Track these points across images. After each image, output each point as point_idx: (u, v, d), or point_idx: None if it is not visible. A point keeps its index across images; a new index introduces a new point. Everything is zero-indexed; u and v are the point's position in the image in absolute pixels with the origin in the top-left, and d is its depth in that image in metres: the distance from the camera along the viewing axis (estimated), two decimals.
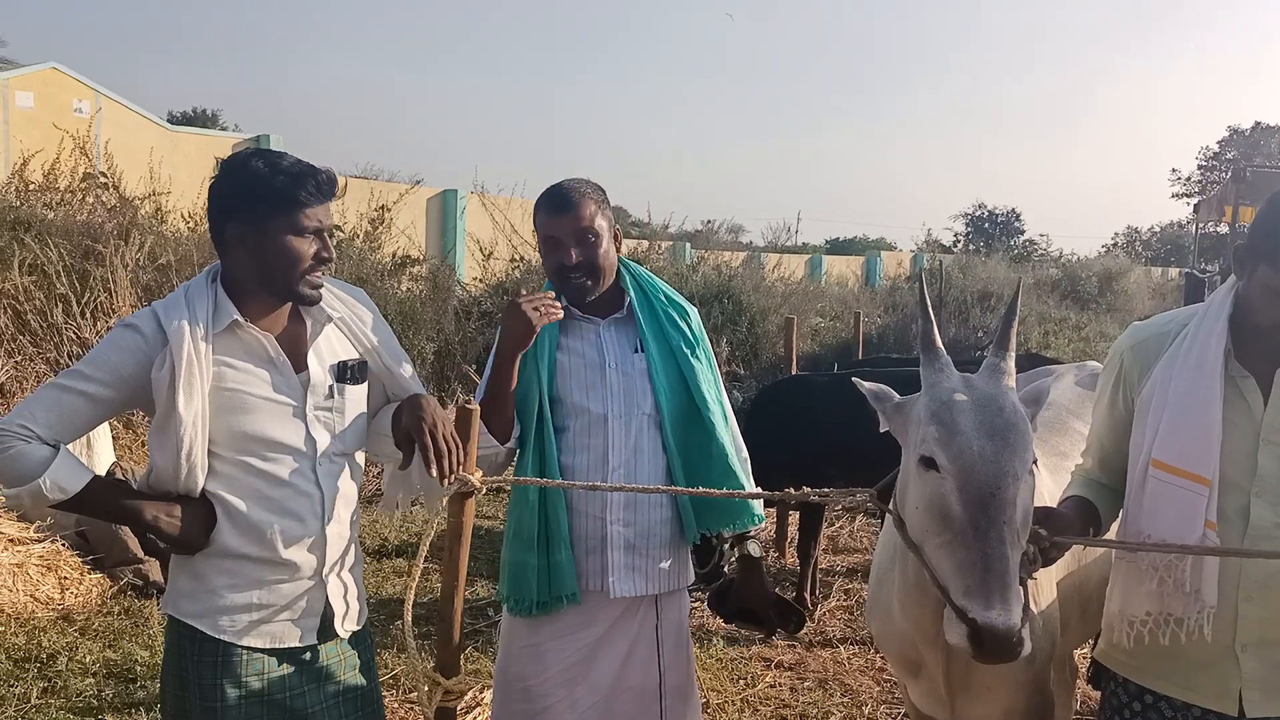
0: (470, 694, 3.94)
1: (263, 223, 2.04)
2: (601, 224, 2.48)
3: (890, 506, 2.09)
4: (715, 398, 2.58)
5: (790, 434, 5.40)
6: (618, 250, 2.57)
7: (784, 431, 5.45)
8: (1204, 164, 51.75)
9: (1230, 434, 1.94)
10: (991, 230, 44.36)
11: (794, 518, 6.59)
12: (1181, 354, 2.03)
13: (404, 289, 11.00)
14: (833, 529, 6.84)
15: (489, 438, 2.42)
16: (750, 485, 2.60)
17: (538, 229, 2.54)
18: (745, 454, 2.64)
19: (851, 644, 5.00)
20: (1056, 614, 2.39)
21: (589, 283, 2.49)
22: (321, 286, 2.13)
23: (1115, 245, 48.42)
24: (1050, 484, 2.51)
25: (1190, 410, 1.96)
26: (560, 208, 2.47)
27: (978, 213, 46.26)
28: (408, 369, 2.32)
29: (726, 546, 2.70)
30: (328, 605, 2.14)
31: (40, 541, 5.24)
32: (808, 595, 5.44)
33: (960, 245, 41.66)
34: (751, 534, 2.60)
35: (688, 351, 2.55)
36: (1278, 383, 1.96)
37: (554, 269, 2.49)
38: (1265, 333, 1.97)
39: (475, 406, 2.25)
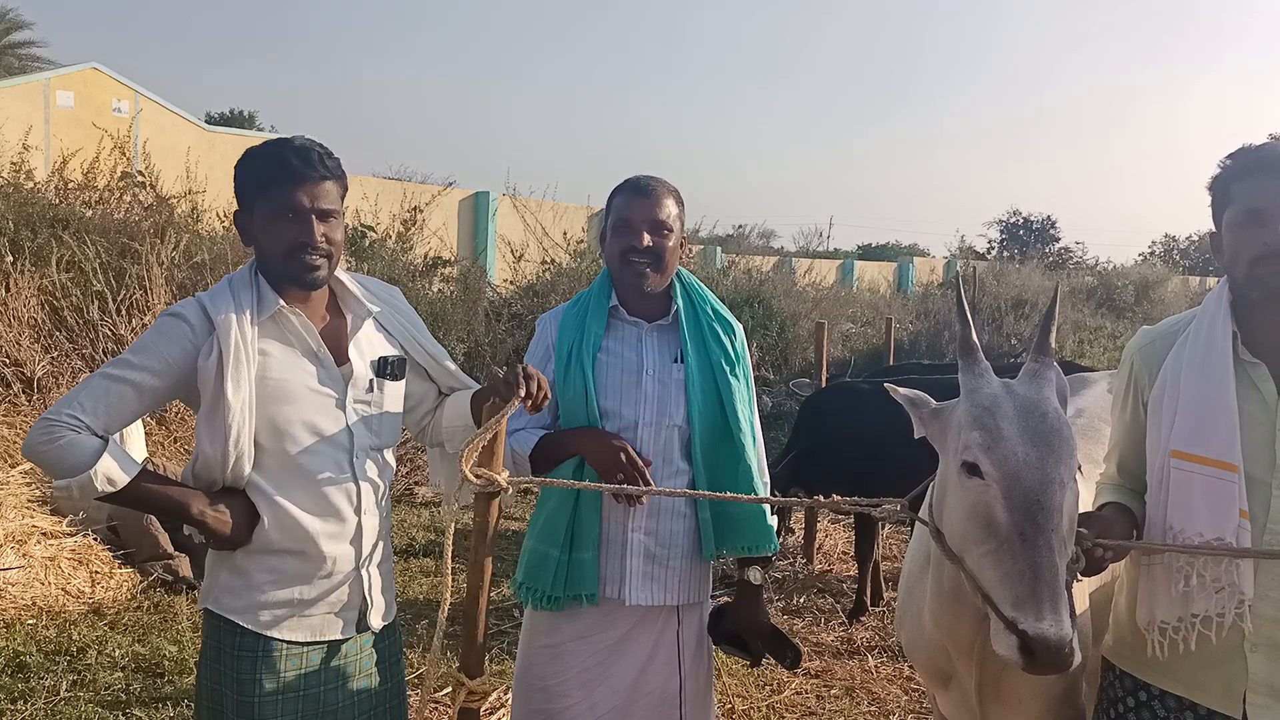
0: (494, 695, 3.93)
1: (250, 210, 2.08)
2: (676, 221, 2.51)
3: (926, 516, 2.06)
4: (748, 418, 2.56)
5: (837, 442, 5.39)
6: (681, 258, 2.57)
7: (831, 439, 5.44)
8: None
9: (1246, 425, 1.91)
10: (1026, 237, 43.86)
11: (822, 523, 6.54)
12: (1189, 345, 2.02)
13: (435, 290, 11.07)
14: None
15: (519, 454, 2.44)
16: (768, 511, 2.58)
17: (610, 213, 2.54)
18: (768, 478, 2.62)
19: (879, 652, 4.94)
20: (1089, 625, 2.34)
21: (650, 270, 2.48)
22: (318, 271, 2.08)
23: (1152, 254, 47.79)
24: (1085, 491, 2.46)
25: (1205, 396, 1.95)
26: (643, 192, 2.49)
27: (1013, 220, 45.76)
28: (452, 365, 2.35)
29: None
30: (365, 598, 2.16)
31: (72, 536, 5.30)
32: (867, 599, 5.44)
33: (994, 252, 41.28)
34: (760, 560, 2.57)
35: (727, 368, 2.53)
36: None
37: (620, 251, 2.48)
38: (1269, 316, 1.96)
39: (508, 406, 2.22)
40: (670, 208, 2.50)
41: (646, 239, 2.46)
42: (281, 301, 2.07)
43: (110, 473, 1.91)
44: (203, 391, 2.00)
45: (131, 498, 1.98)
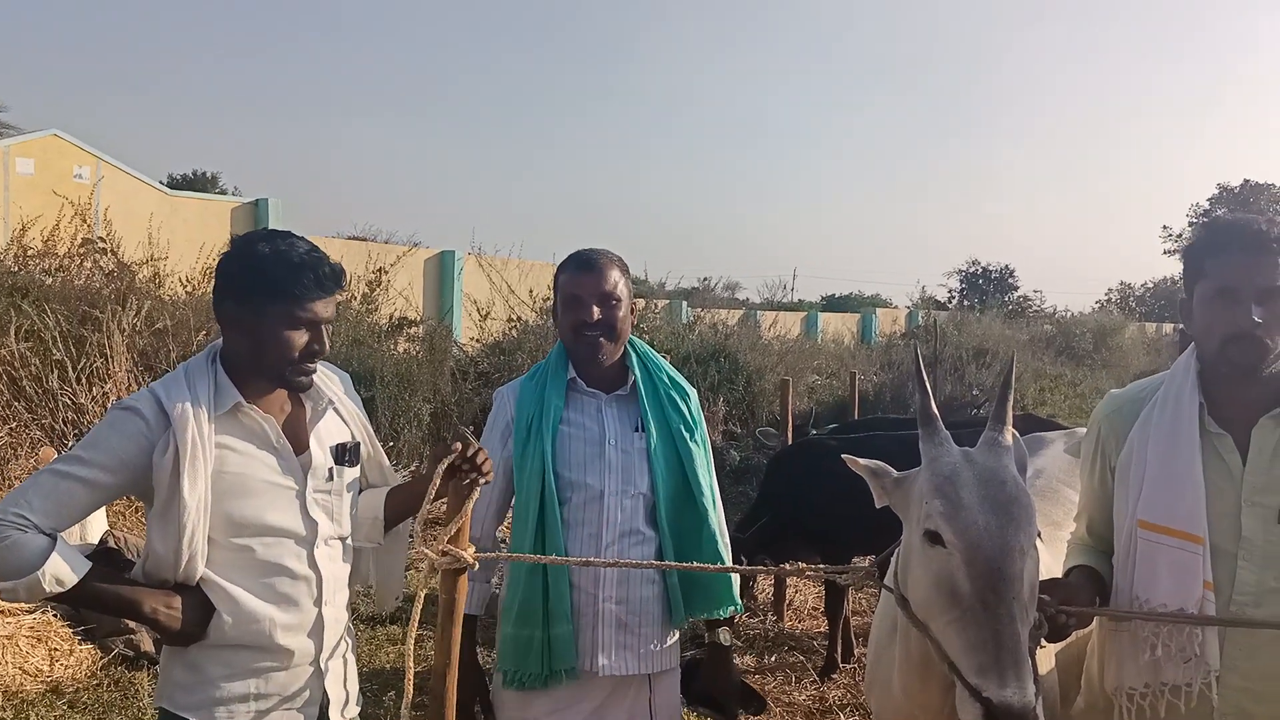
0: None
1: (259, 309, 2.02)
2: (623, 290, 2.55)
3: (892, 585, 2.08)
4: (708, 482, 2.60)
5: (805, 499, 5.41)
6: (632, 323, 2.60)
7: (799, 496, 5.46)
8: (1194, 221, 52.13)
9: (1212, 496, 1.95)
10: (985, 287, 44.52)
11: (791, 580, 6.53)
12: (1156, 414, 2.05)
13: (401, 350, 11.02)
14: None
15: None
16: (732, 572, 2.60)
17: (559, 289, 2.58)
18: (728, 539, 2.65)
19: (852, 710, 4.92)
20: (1056, 685, 2.36)
21: (605, 341, 2.51)
22: (313, 374, 2.11)
23: (1109, 301, 48.65)
24: (1046, 555, 2.49)
25: (1172, 467, 1.97)
26: (587, 268, 2.53)
27: (972, 269, 46.48)
28: (387, 461, 2.35)
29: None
30: (325, 692, 2.11)
31: (31, 612, 5.18)
32: (838, 656, 5.43)
33: (955, 302, 41.81)
34: (725, 621, 2.61)
35: (686, 435, 2.57)
36: (1254, 441, 1.96)
37: (572, 326, 2.52)
38: (1235, 387, 1.99)
39: (476, 486, 2.22)
40: (615, 278, 2.53)
41: (596, 313, 2.50)
42: (240, 397, 2.04)
43: (59, 573, 1.86)
44: (157, 489, 1.95)
45: (81, 597, 1.93)
